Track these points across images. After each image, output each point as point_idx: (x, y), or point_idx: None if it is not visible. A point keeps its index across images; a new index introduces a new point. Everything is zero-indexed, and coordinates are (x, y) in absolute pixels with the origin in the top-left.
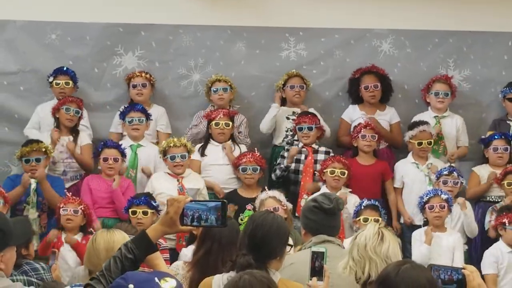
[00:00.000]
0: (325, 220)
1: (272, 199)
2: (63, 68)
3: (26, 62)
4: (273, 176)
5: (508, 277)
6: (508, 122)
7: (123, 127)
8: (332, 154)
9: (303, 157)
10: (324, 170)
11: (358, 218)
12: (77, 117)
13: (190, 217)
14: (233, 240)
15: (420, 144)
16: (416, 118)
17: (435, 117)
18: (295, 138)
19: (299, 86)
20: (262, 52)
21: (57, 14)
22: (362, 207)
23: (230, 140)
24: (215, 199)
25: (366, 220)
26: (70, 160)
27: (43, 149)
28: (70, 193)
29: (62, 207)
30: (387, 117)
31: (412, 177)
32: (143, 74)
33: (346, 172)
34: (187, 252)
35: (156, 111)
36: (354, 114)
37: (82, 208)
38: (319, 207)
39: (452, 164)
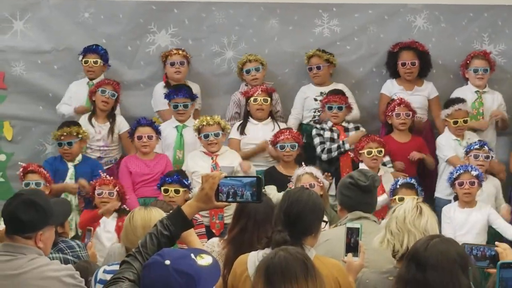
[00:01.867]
0: (360, 197)
1: (308, 175)
2: (92, 46)
3: (59, 41)
4: (324, 157)
5: None
6: None
7: (169, 107)
8: (362, 129)
9: (335, 136)
10: (360, 151)
11: (394, 197)
12: (113, 100)
13: (226, 193)
14: (268, 217)
15: (455, 123)
16: (457, 92)
17: (476, 92)
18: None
19: (316, 67)
20: (295, 29)
21: None
22: (398, 186)
23: (270, 118)
24: (250, 175)
25: (401, 199)
26: (106, 148)
27: (75, 133)
28: (105, 174)
29: (97, 188)
30: (425, 92)
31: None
32: (180, 52)
33: (383, 150)
34: None
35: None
36: (393, 89)
37: (117, 190)
38: (355, 183)
39: (482, 138)
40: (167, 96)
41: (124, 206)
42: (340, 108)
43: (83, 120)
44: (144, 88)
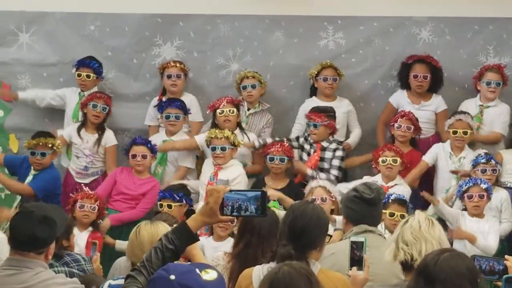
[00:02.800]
0: (366, 210)
1: (321, 189)
2: (86, 60)
3: (65, 54)
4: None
5: None
6: None
7: (160, 120)
8: (341, 151)
9: (312, 151)
10: (377, 161)
11: (384, 211)
12: (104, 114)
13: (230, 207)
14: (272, 231)
15: (455, 133)
16: (462, 105)
17: (480, 105)
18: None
19: (332, 78)
20: (300, 41)
21: (95, 5)
22: (390, 200)
23: (238, 128)
24: (254, 189)
25: (392, 214)
26: (92, 158)
27: (50, 144)
28: (87, 188)
29: (80, 201)
30: (432, 107)
31: (441, 164)
32: (177, 65)
33: (399, 159)
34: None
35: (186, 99)
36: (401, 100)
37: (98, 204)
38: (360, 196)
39: (485, 151)
40: (160, 108)
41: (100, 221)
42: (315, 126)
43: (72, 130)
44: (149, 101)
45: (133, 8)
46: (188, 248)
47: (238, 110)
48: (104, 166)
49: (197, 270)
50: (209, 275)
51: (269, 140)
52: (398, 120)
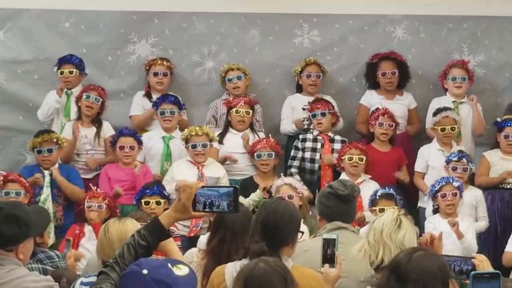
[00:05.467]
0: (339, 207)
1: (287, 186)
2: (66, 57)
3: (40, 51)
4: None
5: None
6: None
7: (156, 117)
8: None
9: (319, 145)
10: (342, 158)
11: (374, 208)
12: (97, 105)
13: (202, 203)
14: (246, 227)
15: (443, 130)
16: (435, 101)
17: (453, 102)
18: (312, 126)
19: (315, 75)
20: (276, 39)
21: (70, 2)
22: (377, 197)
23: (249, 129)
24: (228, 185)
25: (382, 210)
26: (93, 152)
27: (55, 139)
28: (95, 187)
29: (87, 201)
30: (406, 101)
31: (436, 163)
32: (164, 62)
33: (364, 158)
34: (204, 240)
35: None
36: (372, 99)
37: (107, 203)
38: (334, 193)
39: (461, 148)
40: (154, 104)
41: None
42: (323, 114)
43: (69, 128)
44: (124, 98)
45: (108, 5)
46: (163, 243)
47: (253, 111)
48: (106, 159)
49: (169, 265)
50: (181, 271)
51: (262, 136)
52: (379, 118)
